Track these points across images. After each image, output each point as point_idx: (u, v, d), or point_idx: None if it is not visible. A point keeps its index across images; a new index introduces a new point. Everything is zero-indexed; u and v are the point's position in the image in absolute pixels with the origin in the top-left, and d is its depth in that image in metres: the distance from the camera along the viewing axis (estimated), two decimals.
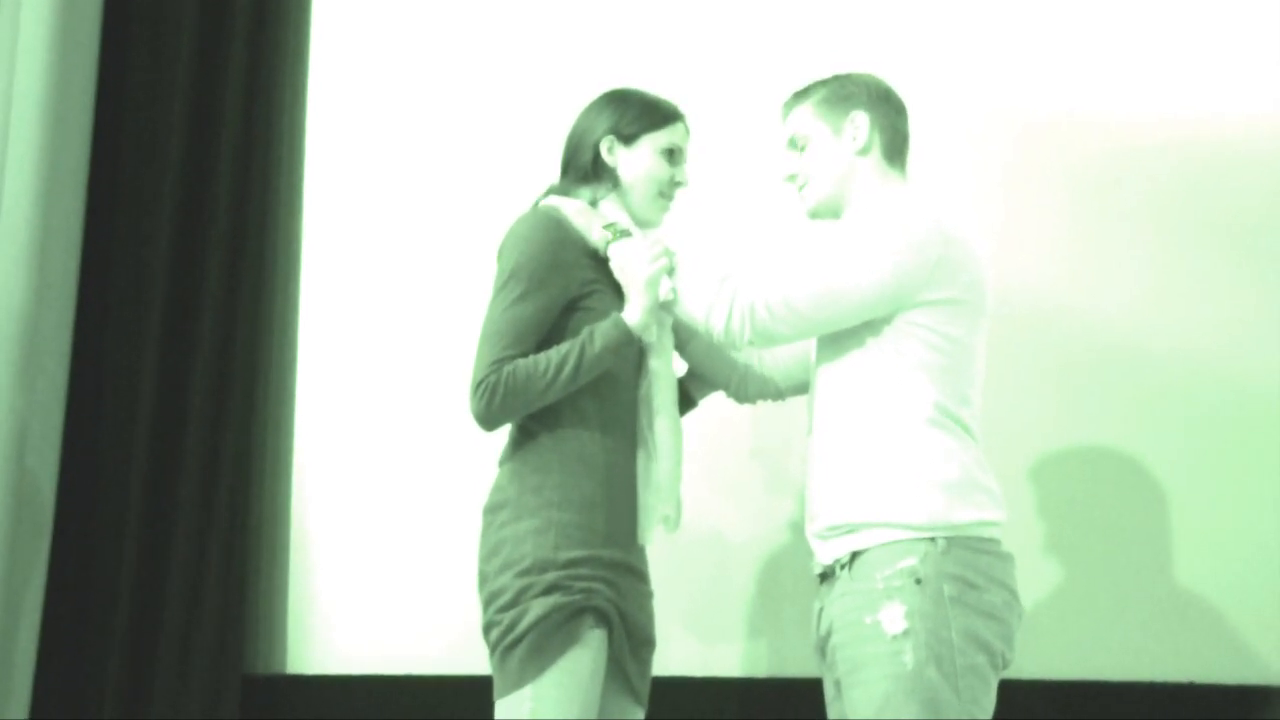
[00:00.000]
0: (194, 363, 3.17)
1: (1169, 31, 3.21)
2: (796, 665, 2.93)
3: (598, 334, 2.20)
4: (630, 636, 2.25)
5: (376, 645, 3.08)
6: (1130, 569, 3.03)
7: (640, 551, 2.31)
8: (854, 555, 2.10)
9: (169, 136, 3.25)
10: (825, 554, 2.16)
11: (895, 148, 2.26)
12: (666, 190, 2.34)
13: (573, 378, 2.18)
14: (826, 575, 2.17)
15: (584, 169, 2.33)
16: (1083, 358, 3.08)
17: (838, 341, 2.18)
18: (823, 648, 2.17)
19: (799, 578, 2.83)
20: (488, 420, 2.21)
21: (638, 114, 2.33)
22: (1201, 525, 3.02)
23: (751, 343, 2.18)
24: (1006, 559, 2.13)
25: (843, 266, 2.11)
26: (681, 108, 2.38)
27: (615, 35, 3.25)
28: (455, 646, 2.95)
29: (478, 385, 2.18)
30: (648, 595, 2.32)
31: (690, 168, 2.39)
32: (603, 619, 2.17)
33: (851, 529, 2.11)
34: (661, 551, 2.37)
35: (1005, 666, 2.11)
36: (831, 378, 2.20)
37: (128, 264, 3.26)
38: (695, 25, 3.26)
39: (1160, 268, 3.12)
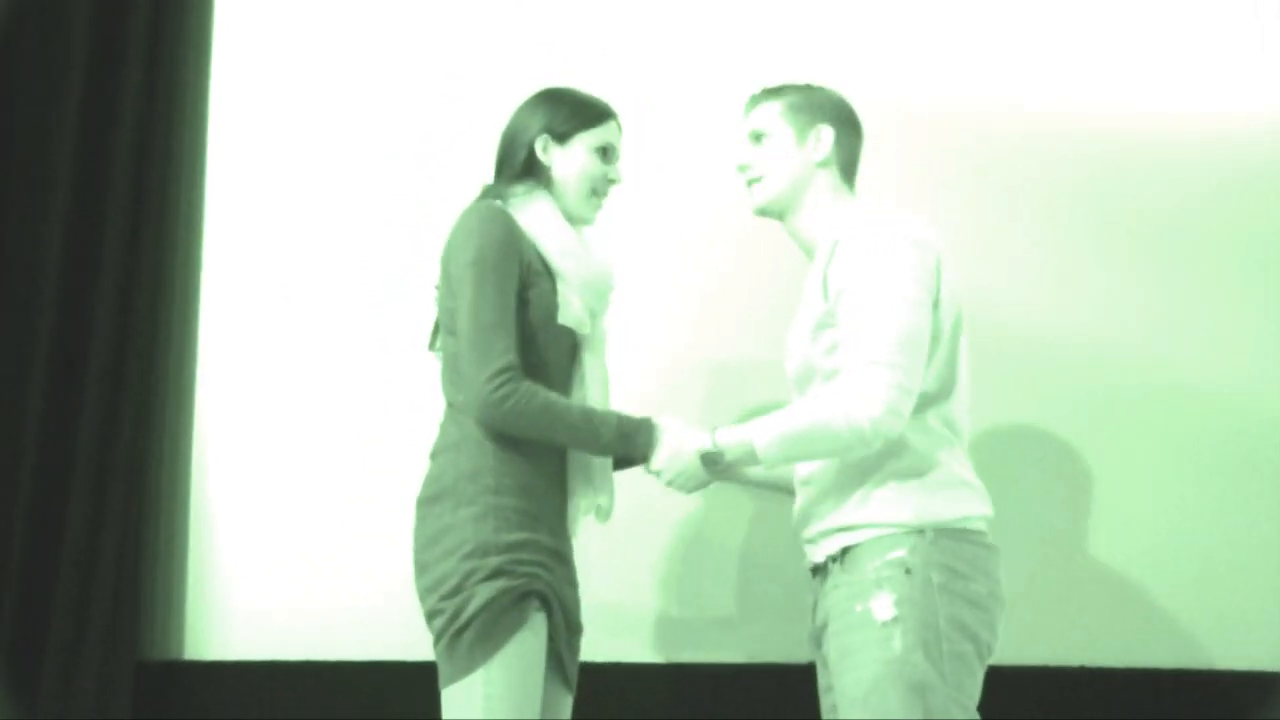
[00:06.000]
0: (91, 330, 3.05)
1: (1143, 41, 3.23)
2: (773, 652, 2.98)
3: (629, 434, 2.23)
4: (566, 622, 2.29)
5: (278, 631, 3.02)
6: (1076, 560, 3.09)
7: (568, 539, 2.35)
8: (845, 550, 2.19)
9: (61, 140, 3.10)
10: (818, 553, 2.25)
11: (849, 167, 2.34)
12: (600, 187, 2.39)
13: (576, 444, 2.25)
14: (819, 570, 2.25)
15: (517, 168, 2.36)
16: (1055, 362, 3.12)
17: (812, 359, 2.23)
18: (819, 639, 2.25)
19: (776, 567, 2.93)
20: (497, 413, 2.17)
21: (570, 113, 2.37)
22: (1132, 519, 3.11)
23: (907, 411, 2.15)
24: (992, 550, 2.20)
25: (886, 300, 2.11)
26: (613, 106, 2.41)
27: (532, 45, 3.19)
28: (358, 632, 2.97)
29: (500, 372, 2.16)
30: (576, 583, 2.37)
31: (623, 165, 2.42)
32: (544, 603, 2.22)
33: (842, 529, 2.20)
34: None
35: (990, 654, 2.17)
36: (812, 391, 2.25)
37: (19, 260, 3.10)
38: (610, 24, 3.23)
39: (1130, 277, 3.15)
